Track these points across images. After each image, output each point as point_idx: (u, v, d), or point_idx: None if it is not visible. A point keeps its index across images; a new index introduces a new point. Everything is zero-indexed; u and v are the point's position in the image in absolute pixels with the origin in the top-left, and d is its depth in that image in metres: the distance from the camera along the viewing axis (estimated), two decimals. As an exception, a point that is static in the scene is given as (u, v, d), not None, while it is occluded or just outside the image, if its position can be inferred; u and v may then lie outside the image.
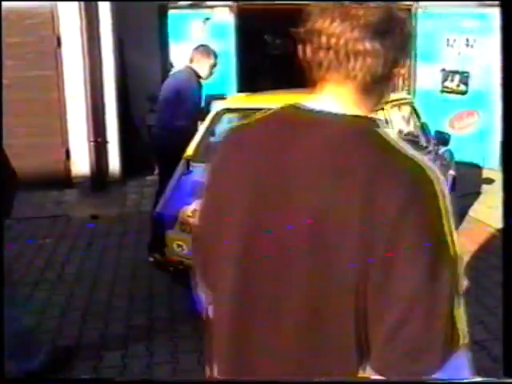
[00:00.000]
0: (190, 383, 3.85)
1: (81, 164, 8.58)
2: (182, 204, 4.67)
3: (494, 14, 9.88)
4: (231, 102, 5.51)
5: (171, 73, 6.95)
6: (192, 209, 4.55)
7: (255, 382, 1.88)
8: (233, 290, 1.56)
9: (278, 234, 1.47)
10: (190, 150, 5.10)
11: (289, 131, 1.52)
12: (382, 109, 5.11)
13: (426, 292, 1.31)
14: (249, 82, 10.49)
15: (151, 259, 5.65)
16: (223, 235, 1.58)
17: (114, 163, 8.87)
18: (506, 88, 1.89)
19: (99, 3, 8.53)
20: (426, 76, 10.31)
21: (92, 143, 8.61)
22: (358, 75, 1.45)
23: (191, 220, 4.52)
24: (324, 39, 1.45)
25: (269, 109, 1.64)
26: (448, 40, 10.34)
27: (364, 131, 1.46)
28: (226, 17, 9.88)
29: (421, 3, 10.38)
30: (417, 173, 1.37)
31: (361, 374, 1.38)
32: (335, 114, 1.47)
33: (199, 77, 5.99)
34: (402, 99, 5.95)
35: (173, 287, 5.43)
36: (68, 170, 8.64)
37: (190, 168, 4.92)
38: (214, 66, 6.06)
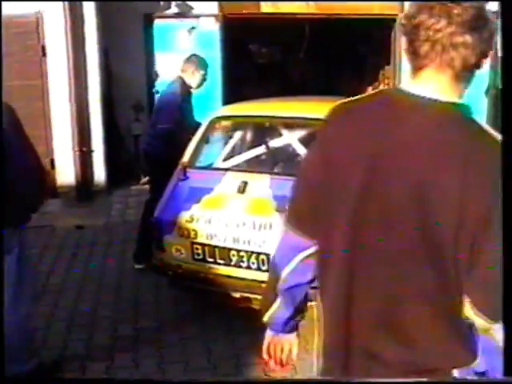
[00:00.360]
0: (190, 383, 3.85)
1: (66, 174, 8.53)
2: (180, 210, 4.74)
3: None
4: (225, 110, 5.58)
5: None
6: (190, 214, 4.68)
7: (254, 381, 1.95)
8: (346, 235, 1.90)
9: (387, 195, 1.81)
10: (186, 157, 5.14)
11: (396, 112, 1.86)
12: None
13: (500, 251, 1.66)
14: (235, 90, 10.50)
15: (139, 266, 5.67)
16: (338, 191, 1.91)
17: (99, 173, 8.83)
18: (505, 88, 1.97)
19: (85, 12, 8.52)
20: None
21: (77, 153, 8.56)
22: (456, 63, 1.77)
23: (189, 225, 4.62)
24: (429, 33, 1.76)
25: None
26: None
27: (460, 117, 1.83)
28: (211, 26, 9.89)
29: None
30: (498, 143, 1.73)
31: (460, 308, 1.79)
32: (435, 101, 1.81)
33: (190, 86, 6.05)
34: None
35: (159, 297, 5.41)
36: (53, 179, 8.57)
37: (187, 175, 4.97)
38: (205, 75, 6.12)
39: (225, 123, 5.62)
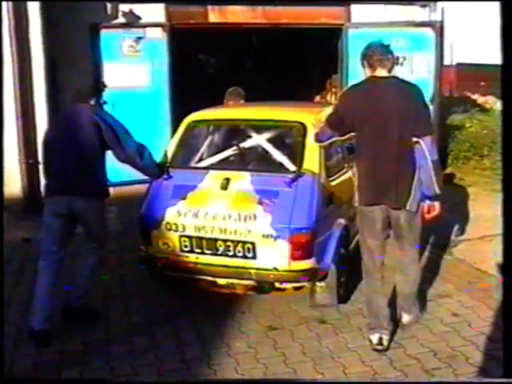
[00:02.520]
0: (183, 383, 3.86)
1: (12, 186, 8.39)
2: (167, 206, 5.13)
3: (422, 34, 10.18)
4: (199, 114, 5.92)
5: None
6: (177, 210, 5.09)
7: (255, 381, 2.11)
8: (371, 137, 4.51)
9: (383, 119, 4.44)
10: (168, 158, 5.52)
11: (377, 85, 4.56)
12: None
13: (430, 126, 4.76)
14: (183, 100, 10.49)
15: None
16: (362, 120, 4.51)
17: (47, 184, 8.70)
18: (505, 88, 2.31)
19: (30, 22, 8.42)
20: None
21: (23, 164, 8.46)
22: (388, 66, 4.57)
23: (177, 219, 5.06)
24: (378, 56, 4.55)
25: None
26: (378, 58, 10.61)
27: (400, 79, 4.69)
28: (158, 36, 9.86)
29: (352, 23, 10.65)
30: (419, 88, 4.64)
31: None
32: (388, 77, 4.57)
33: None
34: None
35: (108, 309, 5.37)
36: (-1, 191, 8.42)
37: (170, 174, 5.33)
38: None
39: (199, 126, 5.98)
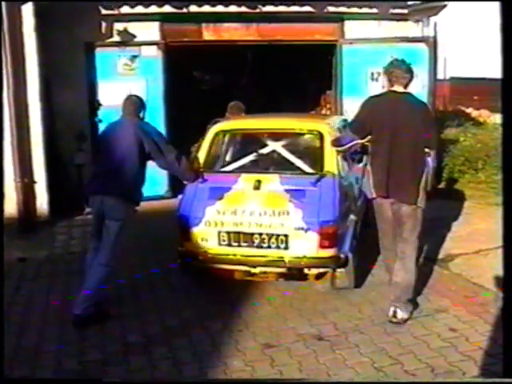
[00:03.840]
0: (182, 383, 3.83)
1: (7, 205, 8.35)
2: (205, 206, 5.74)
3: (415, 49, 10.21)
4: (224, 125, 6.60)
5: None
6: (215, 209, 5.71)
7: (255, 381, 2.13)
8: (388, 142, 5.25)
9: (399, 127, 5.21)
10: (201, 164, 6.13)
11: (395, 98, 5.34)
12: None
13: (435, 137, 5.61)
14: (178, 117, 10.51)
15: None
16: (381, 126, 5.28)
17: (42, 203, 8.71)
18: (506, 88, 2.29)
19: (26, 42, 8.44)
20: (352, 107, 10.53)
21: (19, 183, 8.44)
22: (405, 83, 5.32)
23: (216, 217, 5.68)
24: (397, 74, 5.30)
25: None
26: (372, 74, 10.62)
27: (413, 96, 5.44)
28: (153, 54, 9.90)
29: (346, 39, 10.69)
30: (427, 105, 6.02)
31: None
32: (404, 92, 5.35)
33: None
34: (345, 120, 7.23)
35: (105, 328, 5.34)
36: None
37: (205, 178, 5.93)
38: None
39: (226, 135, 6.65)
